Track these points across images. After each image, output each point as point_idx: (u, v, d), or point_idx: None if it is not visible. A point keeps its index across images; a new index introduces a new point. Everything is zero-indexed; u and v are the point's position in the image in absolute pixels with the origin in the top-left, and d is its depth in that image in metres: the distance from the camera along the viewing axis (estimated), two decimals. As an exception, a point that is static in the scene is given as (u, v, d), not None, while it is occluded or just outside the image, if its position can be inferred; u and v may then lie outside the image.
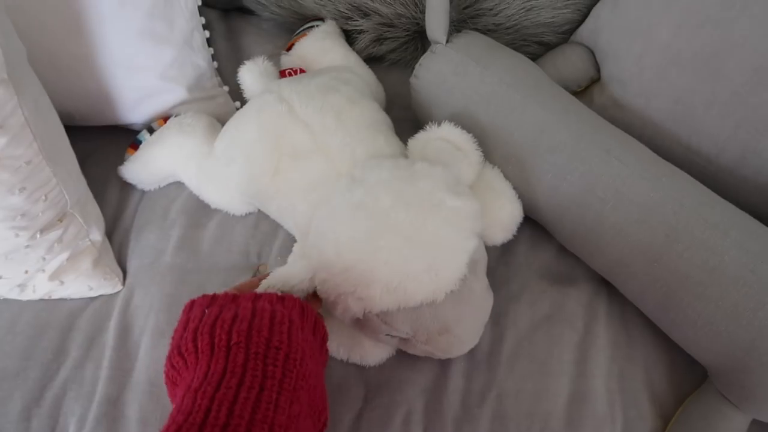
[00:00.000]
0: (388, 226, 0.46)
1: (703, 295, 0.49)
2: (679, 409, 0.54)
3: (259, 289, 0.46)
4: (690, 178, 0.54)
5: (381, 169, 0.51)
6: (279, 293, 0.43)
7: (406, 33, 0.70)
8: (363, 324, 0.49)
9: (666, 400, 0.55)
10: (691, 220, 0.50)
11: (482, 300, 0.51)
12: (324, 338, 0.45)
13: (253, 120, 0.58)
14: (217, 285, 0.61)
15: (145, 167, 0.66)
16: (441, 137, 0.55)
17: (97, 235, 0.62)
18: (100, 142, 0.69)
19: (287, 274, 0.47)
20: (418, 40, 0.71)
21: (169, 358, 0.40)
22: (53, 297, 0.61)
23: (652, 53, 0.58)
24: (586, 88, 0.67)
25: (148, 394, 0.56)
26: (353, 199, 0.48)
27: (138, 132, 0.68)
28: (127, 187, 0.69)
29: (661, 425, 0.54)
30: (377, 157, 0.54)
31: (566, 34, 0.69)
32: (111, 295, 0.62)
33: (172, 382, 0.40)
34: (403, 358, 0.56)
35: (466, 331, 0.50)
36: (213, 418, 0.31)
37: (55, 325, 0.60)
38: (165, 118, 0.67)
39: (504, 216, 0.56)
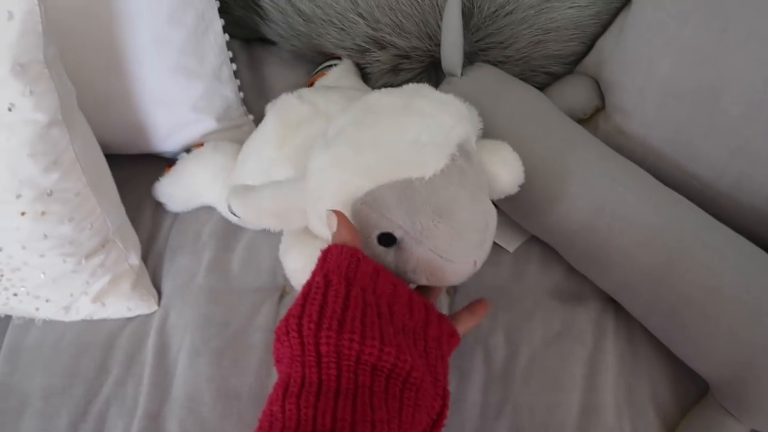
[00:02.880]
0: (374, 110, 0.46)
1: (704, 313, 0.53)
2: (683, 420, 0.58)
3: (251, 217, 0.49)
4: (690, 203, 0.58)
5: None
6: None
7: (421, 64, 0.75)
8: (356, 226, 0.46)
9: (670, 412, 0.58)
10: (691, 243, 0.54)
11: (478, 194, 0.47)
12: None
13: (268, 118, 0.62)
14: (247, 305, 0.65)
15: (179, 182, 0.69)
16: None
17: (135, 259, 0.66)
18: (133, 170, 0.73)
19: (282, 198, 0.48)
20: (432, 71, 0.76)
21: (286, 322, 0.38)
22: (94, 318, 0.65)
23: (652, 86, 0.62)
24: (592, 116, 0.71)
25: (187, 410, 0.59)
26: (346, 108, 0.49)
27: (175, 155, 0.72)
28: (159, 211, 0.73)
29: (666, 433, 0.58)
30: None
31: (572, 64, 0.73)
32: (148, 315, 0.66)
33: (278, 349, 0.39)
34: (424, 373, 0.59)
35: (464, 225, 0.45)
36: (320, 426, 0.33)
37: (97, 344, 0.64)
38: (200, 144, 0.71)
39: (505, 156, 0.53)
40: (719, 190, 0.61)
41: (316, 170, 0.46)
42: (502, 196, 0.54)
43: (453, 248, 0.45)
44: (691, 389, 0.59)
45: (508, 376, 0.59)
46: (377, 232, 0.45)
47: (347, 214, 0.45)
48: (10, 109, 0.47)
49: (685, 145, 0.62)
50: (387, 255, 0.46)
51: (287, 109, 0.59)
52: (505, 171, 0.52)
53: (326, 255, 0.41)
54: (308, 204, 0.47)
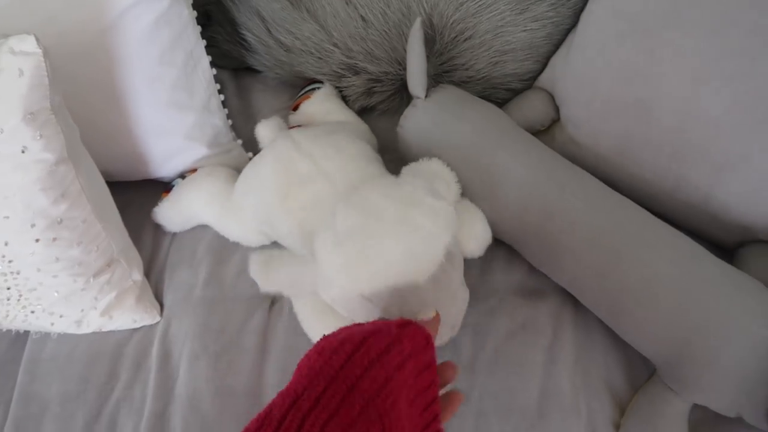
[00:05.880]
0: (378, 217, 0.55)
1: (643, 302, 0.59)
2: (633, 399, 0.64)
3: (272, 288, 0.57)
4: (633, 204, 0.65)
5: (373, 181, 0.61)
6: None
7: (393, 87, 0.82)
8: (359, 311, 0.57)
9: (622, 392, 0.65)
10: (632, 240, 0.61)
11: (458, 289, 0.59)
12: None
13: (267, 159, 0.68)
14: (241, 313, 0.71)
15: (175, 207, 0.77)
16: (428, 168, 0.65)
17: (138, 275, 0.73)
18: (134, 195, 0.80)
19: (296, 274, 0.57)
20: (403, 92, 0.82)
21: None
22: (103, 330, 0.72)
23: (596, 100, 0.68)
24: (549, 127, 0.78)
25: (189, 408, 0.66)
26: (350, 202, 0.58)
27: (171, 181, 0.79)
28: (159, 232, 0.80)
29: (618, 413, 0.64)
30: (371, 176, 0.65)
31: (529, 81, 0.80)
32: (151, 326, 0.73)
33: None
34: (400, 367, 0.66)
35: (445, 315, 0.56)
36: None
37: (107, 353, 0.71)
38: (194, 170, 0.78)
39: (477, 231, 0.64)
40: (661, 191, 0.68)
41: (327, 265, 0.56)
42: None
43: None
44: (641, 371, 0.65)
45: (475, 365, 0.66)
46: (377, 317, 0.56)
47: (351, 302, 0.56)
48: (23, 152, 0.55)
49: (628, 152, 0.68)
50: None
51: (288, 163, 0.66)
52: (475, 245, 0.64)
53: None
54: (319, 286, 0.58)
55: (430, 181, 0.62)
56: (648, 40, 0.62)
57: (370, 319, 0.55)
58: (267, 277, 0.57)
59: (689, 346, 0.58)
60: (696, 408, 0.62)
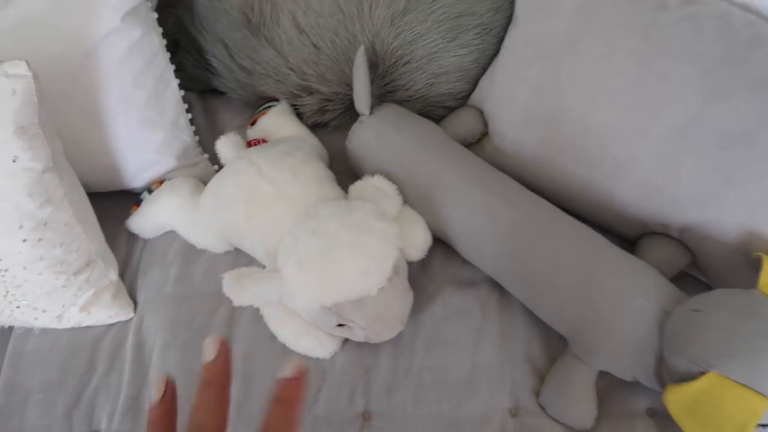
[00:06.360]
0: (335, 242, 0.66)
1: (554, 285, 0.70)
2: (550, 369, 0.74)
3: (244, 303, 0.67)
4: (546, 202, 0.75)
5: (328, 206, 0.71)
6: None
7: (343, 106, 0.92)
8: (320, 318, 0.68)
9: (541, 364, 0.75)
10: (543, 233, 0.72)
11: (404, 295, 0.71)
12: None
13: (229, 179, 0.78)
14: (208, 306, 0.80)
15: (146, 219, 0.85)
16: (373, 184, 0.77)
17: (114, 275, 0.81)
18: (109, 205, 0.88)
19: (264, 291, 0.67)
20: (353, 110, 0.92)
21: None
22: (82, 325, 0.79)
23: (516, 116, 0.80)
24: (479, 140, 0.89)
25: (161, 391, 0.74)
26: (309, 228, 0.69)
27: (140, 193, 0.87)
28: (132, 238, 0.88)
29: (538, 382, 0.73)
30: (325, 200, 0.75)
31: (462, 100, 0.91)
32: (126, 321, 0.81)
33: None
34: (348, 349, 0.75)
35: (393, 318, 0.70)
36: None
37: (85, 346, 0.79)
38: (160, 182, 0.87)
39: (418, 239, 0.76)
40: (572, 192, 0.79)
41: (291, 282, 0.67)
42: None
43: (385, 333, 0.71)
44: (557, 345, 0.76)
45: (415, 345, 0.75)
46: (336, 323, 0.68)
47: (314, 312, 0.68)
48: (14, 161, 0.63)
49: (543, 158, 0.79)
50: (341, 331, 0.70)
51: (252, 186, 0.75)
52: (417, 251, 0.75)
53: None
54: (285, 298, 0.69)
55: (378, 202, 0.73)
56: (552, 64, 0.74)
57: (331, 325, 0.68)
58: (239, 294, 0.67)
59: (591, 320, 0.68)
60: (603, 376, 0.72)
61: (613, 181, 0.75)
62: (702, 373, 0.59)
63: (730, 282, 0.72)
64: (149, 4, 0.82)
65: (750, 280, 0.64)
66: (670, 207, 0.71)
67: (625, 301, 0.67)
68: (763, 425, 0.59)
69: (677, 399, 0.61)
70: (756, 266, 0.65)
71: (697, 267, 0.77)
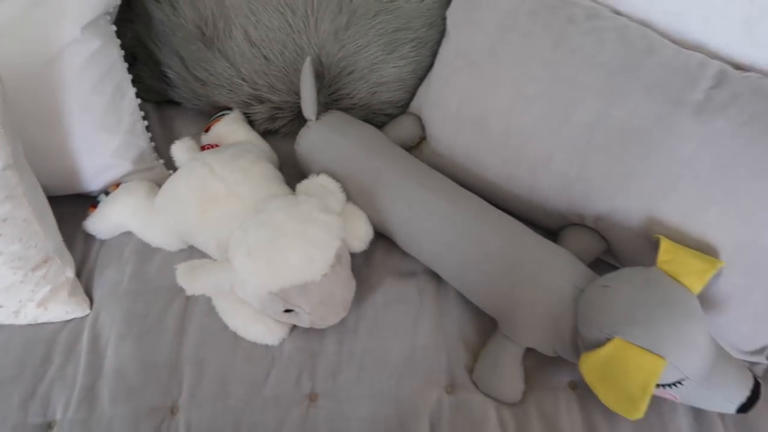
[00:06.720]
0: (282, 232, 0.72)
1: (482, 270, 0.77)
2: (483, 349, 0.80)
3: (197, 292, 0.72)
4: (476, 197, 0.83)
5: (276, 200, 0.77)
6: None
7: (292, 113, 0.99)
8: (269, 304, 0.73)
9: (475, 344, 0.81)
10: (471, 222, 0.79)
11: (347, 282, 0.77)
12: None
13: (183, 180, 0.83)
14: (162, 300, 0.84)
15: (103, 220, 0.89)
16: (318, 183, 0.83)
17: (71, 273, 0.84)
18: (67, 207, 0.91)
19: (216, 280, 0.72)
20: (302, 118, 0.98)
21: None
22: (39, 321, 0.82)
23: (448, 120, 0.87)
24: (419, 144, 0.96)
25: (115, 380, 0.77)
26: (258, 220, 0.74)
27: (97, 196, 0.92)
28: (89, 238, 0.92)
29: (472, 360, 0.80)
30: (273, 196, 0.81)
31: (402, 107, 0.98)
32: (82, 317, 0.84)
33: None
34: (295, 336, 0.81)
35: (337, 303, 0.75)
36: None
37: (42, 341, 0.81)
38: (117, 185, 0.91)
39: (360, 232, 0.82)
40: (500, 188, 0.87)
41: (241, 270, 0.72)
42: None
43: (329, 317, 0.76)
44: (489, 326, 0.82)
45: (358, 330, 0.81)
46: (284, 308, 0.73)
47: (262, 298, 0.72)
48: (-24, 158, 0.67)
49: (474, 158, 0.87)
50: (288, 317, 0.75)
51: (204, 185, 0.80)
52: (359, 243, 0.82)
53: None
54: (235, 287, 0.74)
55: (323, 198, 0.79)
56: (478, 72, 0.82)
57: (279, 310, 0.73)
58: (192, 284, 0.72)
59: (515, 300, 0.75)
60: (529, 354, 0.79)
61: (533, 177, 0.82)
62: (608, 340, 0.66)
63: (639, 264, 0.80)
64: (108, 18, 0.88)
65: (652, 260, 0.72)
66: (583, 198, 0.80)
67: (544, 282, 0.74)
68: (662, 385, 0.66)
69: (589, 365, 0.68)
70: (656, 247, 0.73)
71: (612, 253, 0.85)
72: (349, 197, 0.85)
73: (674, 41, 0.77)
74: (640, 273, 0.71)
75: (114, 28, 0.89)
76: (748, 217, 0.70)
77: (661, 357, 0.64)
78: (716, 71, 0.73)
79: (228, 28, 0.93)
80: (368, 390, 0.77)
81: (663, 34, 0.78)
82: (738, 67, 0.75)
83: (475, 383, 0.78)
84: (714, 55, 0.76)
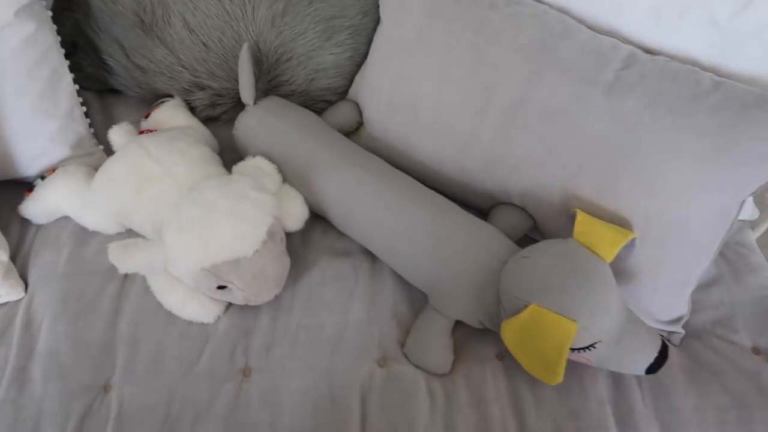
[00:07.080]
0: (213, 209, 0.73)
1: (411, 245, 0.80)
2: (414, 323, 0.83)
3: (129, 270, 0.72)
4: (408, 177, 0.86)
5: (210, 179, 0.79)
6: None
7: (232, 100, 1.00)
8: (202, 281, 0.74)
9: (407, 319, 0.84)
10: (402, 201, 0.81)
11: (279, 258, 0.78)
12: None
13: (119, 161, 0.84)
14: (98, 282, 0.85)
15: (39, 204, 0.89)
16: (254, 164, 0.85)
17: (5, 256, 0.84)
18: (3, 193, 0.92)
19: (148, 257, 0.73)
20: (242, 104, 1.01)
21: None
22: (-29, 304, 0.82)
23: (381, 105, 0.90)
24: (357, 129, 0.99)
25: (48, 360, 0.78)
26: (190, 198, 0.75)
27: (33, 181, 0.92)
28: (25, 223, 0.91)
29: (403, 335, 0.82)
30: (209, 177, 0.82)
31: (341, 94, 1.01)
32: (17, 300, 0.84)
33: None
34: (231, 313, 0.82)
35: (269, 279, 0.77)
36: None
37: (-27, 324, 0.81)
38: (53, 169, 0.91)
39: (296, 212, 0.84)
40: (431, 169, 0.90)
41: (173, 247, 0.73)
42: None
43: (262, 293, 0.78)
44: (421, 301, 0.85)
45: (293, 306, 0.83)
46: (217, 285, 0.74)
47: (195, 275, 0.73)
48: None
49: (406, 141, 0.90)
50: (222, 294, 0.77)
51: (139, 165, 0.82)
52: (294, 222, 0.84)
53: None
54: (168, 264, 0.75)
55: (257, 178, 0.80)
56: (407, 56, 0.85)
57: (212, 287, 0.74)
58: (124, 261, 0.73)
59: (443, 274, 0.78)
60: (458, 327, 0.81)
61: (463, 156, 0.86)
62: (525, 307, 0.69)
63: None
64: (43, 3, 0.88)
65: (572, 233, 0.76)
66: (508, 176, 0.83)
67: (470, 256, 0.78)
68: (577, 349, 0.70)
69: (509, 331, 0.71)
70: (574, 220, 0.77)
71: (538, 230, 0.89)
72: (286, 179, 0.87)
73: (590, 27, 0.81)
74: (557, 244, 0.75)
75: (50, 13, 0.89)
76: (657, 190, 0.74)
77: (573, 321, 0.67)
78: (626, 54, 0.77)
79: (166, 15, 0.94)
80: (301, 364, 0.79)
81: (580, 21, 0.82)
82: (647, 51, 0.80)
83: (406, 356, 0.81)
84: (626, 40, 0.80)
